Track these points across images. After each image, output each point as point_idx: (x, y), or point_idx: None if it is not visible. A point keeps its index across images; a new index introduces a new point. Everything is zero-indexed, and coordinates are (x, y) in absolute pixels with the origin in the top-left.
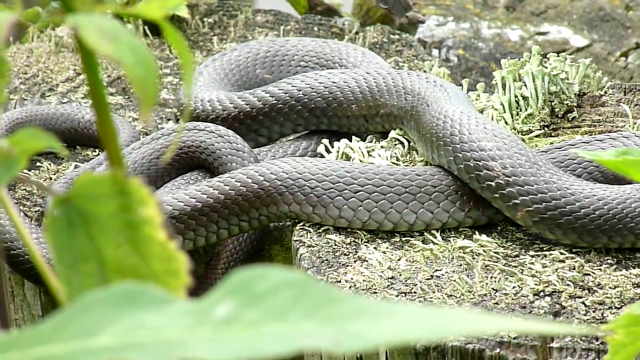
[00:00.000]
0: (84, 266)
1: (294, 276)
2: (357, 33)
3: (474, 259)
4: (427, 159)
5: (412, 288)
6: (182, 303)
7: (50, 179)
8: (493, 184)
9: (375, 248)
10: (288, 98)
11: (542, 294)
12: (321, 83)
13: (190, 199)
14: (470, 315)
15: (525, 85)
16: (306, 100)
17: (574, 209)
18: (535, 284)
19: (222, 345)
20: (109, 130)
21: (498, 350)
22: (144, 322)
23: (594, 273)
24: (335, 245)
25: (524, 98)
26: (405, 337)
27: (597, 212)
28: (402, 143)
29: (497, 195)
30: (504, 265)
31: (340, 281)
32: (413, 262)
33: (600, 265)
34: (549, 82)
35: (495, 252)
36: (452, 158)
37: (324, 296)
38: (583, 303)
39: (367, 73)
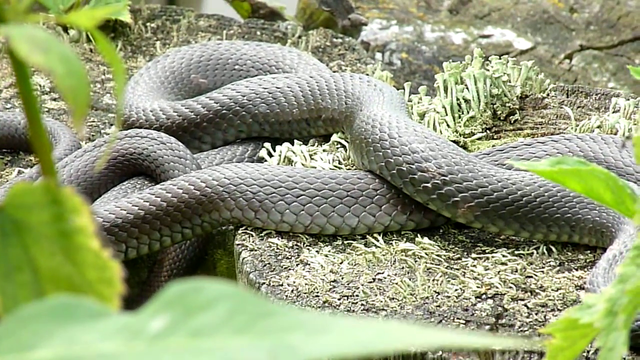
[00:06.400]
0: (18, 276)
1: (230, 289)
2: (300, 37)
3: (416, 262)
4: (359, 166)
5: (354, 291)
6: (117, 316)
7: None
8: (429, 185)
9: (317, 251)
10: (232, 104)
11: (484, 296)
12: (265, 88)
13: (132, 207)
14: (408, 328)
15: (467, 88)
16: (250, 105)
17: (516, 197)
18: (478, 287)
19: (156, 359)
20: (41, 140)
21: (440, 353)
22: (79, 336)
23: (536, 275)
24: (278, 249)
25: (466, 101)
26: (341, 351)
27: (537, 200)
28: (344, 146)
29: (434, 196)
30: (446, 268)
31: (282, 285)
32: (355, 265)
33: (543, 268)
34: (490, 85)
35: (438, 255)
36: (383, 163)
37: (259, 309)
38: (525, 305)
39: (311, 77)
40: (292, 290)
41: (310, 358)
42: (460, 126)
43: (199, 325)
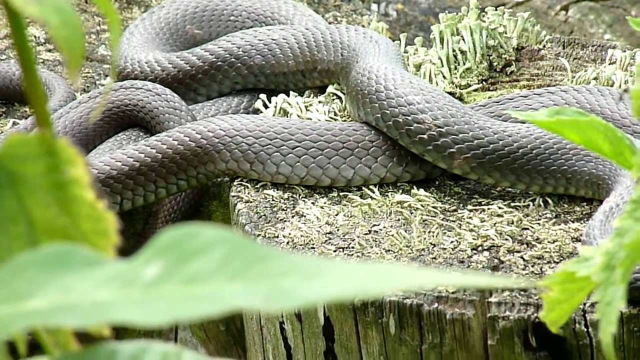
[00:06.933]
0: (12, 227)
1: (224, 234)
2: None
3: (412, 213)
4: (354, 118)
5: (350, 243)
6: (112, 264)
7: None
8: (425, 136)
9: (313, 203)
10: (228, 55)
11: (480, 248)
12: (261, 40)
13: (128, 159)
14: (404, 270)
15: (463, 40)
16: (245, 57)
17: (512, 149)
18: (474, 239)
19: (150, 306)
20: (36, 91)
21: (436, 305)
22: (73, 285)
23: (532, 227)
24: (273, 200)
25: (462, 52)
26: (337, 294)
27: (533, 152)
28: (339, 98)
29: (430, 147)
30: (442, 219)
31: (277, 236)
32: (351, 217)
33: (539, 220)
34: (487, 36)
35: (433, 207)
36: (379, 115)
37: (254, 254)
38: (521, 257)
39: (307, 28)
40: (288, 242)
41: (305, 302)
42: (456, 78)
43: (193, 271)
